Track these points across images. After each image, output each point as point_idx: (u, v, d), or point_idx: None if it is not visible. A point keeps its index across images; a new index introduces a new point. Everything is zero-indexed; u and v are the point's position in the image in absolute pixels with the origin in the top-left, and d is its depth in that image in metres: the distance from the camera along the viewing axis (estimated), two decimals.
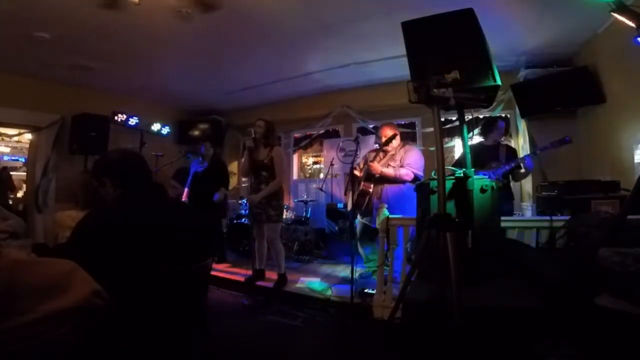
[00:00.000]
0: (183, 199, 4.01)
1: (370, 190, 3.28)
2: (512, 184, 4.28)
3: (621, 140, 3.12)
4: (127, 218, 1.19)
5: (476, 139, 3.64)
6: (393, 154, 3.33)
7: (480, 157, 3.06)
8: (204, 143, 4.23)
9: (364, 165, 3.48)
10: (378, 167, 3.18)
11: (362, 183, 3.31)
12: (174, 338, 1.28)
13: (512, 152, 3.36)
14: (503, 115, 4.72)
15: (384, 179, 3.25)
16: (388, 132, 3.30)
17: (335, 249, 4.76)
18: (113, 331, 0.93)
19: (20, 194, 4.83)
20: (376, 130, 5.19)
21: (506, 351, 1.27)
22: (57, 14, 3.00)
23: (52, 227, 1.93)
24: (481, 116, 4.34)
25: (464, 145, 1.66)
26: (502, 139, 3.55)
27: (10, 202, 4.92)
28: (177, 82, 5.03)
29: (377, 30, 3.43)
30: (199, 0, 2.83)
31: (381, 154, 3.37)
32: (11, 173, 5.00)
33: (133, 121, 5.05)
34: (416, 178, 3.19)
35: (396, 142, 3.34)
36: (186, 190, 4.11)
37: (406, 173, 3.15)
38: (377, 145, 3.41)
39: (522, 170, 3.29)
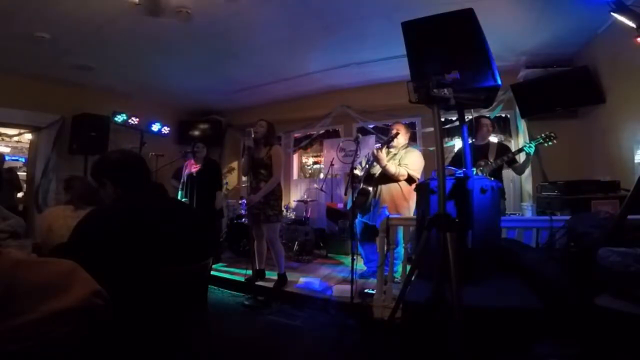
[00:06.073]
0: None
1: (370, 189, 3.32)
2: (510, 183, 4.28)
3: (621, 140, 3.12)
4: (127, 218, 1.19)
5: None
6: (395, 154, 3.35)
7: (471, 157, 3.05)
8: (197, 143, 4.25)
9: (366, 164, 3.51)
10: (385, 158, 3.18)
11: (362, 183, 3.35)
12: (174, 338, 1.28)
13: (503, 150, 3.29)
14: (503, 115, 4.73)
15: (380, 179, 3.29)
16: (398, 128, 3.34)
17: (335, 249, 4.76)
18: (113, 331, 0.93)
19: (20, 194, 4.82)
20: (377, 131, 5.24)
21: (506, 351, 1.27)
22: (57, 14, 3.00)
23: (43, 225, 1.90)
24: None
25: (464, 145, 1.66)
26: (494, 138, 3.52)
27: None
28: (177, 82, 5.03)
29: (377, 30, 3.43)
30: None
31: (385, 151, 3.38)
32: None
33: (133, 121, 5.05)
34: (411, 178, 3.22)
35: (402, 141, 3.37)
36: (179, 192, 4.13)
37: (403, 173, 3.19)
38: (378, 145, 3.42)
39: (520, 162, 3.29)
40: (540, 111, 3.92)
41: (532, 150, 3.06)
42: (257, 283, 3.44)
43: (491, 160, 3.15)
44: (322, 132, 5.88)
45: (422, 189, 1.77)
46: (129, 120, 4.95)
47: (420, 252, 1.54)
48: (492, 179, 2.66)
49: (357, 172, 3.48)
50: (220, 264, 4.29)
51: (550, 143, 3.02)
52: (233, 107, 6.30)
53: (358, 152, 3.32)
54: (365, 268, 3.57)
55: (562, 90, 3.64)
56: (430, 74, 1.38)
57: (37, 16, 3.03)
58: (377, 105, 5.11)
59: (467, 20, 1.46)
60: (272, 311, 3.02)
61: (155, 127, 5.42)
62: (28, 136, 4.99)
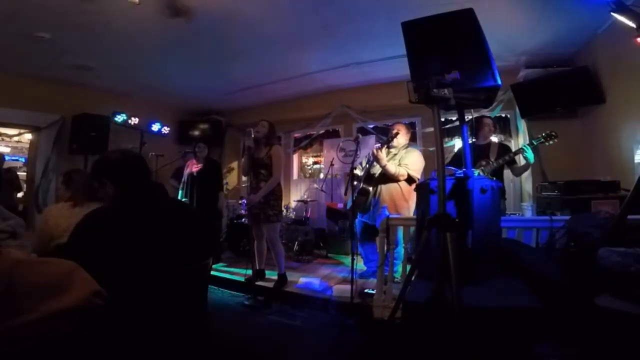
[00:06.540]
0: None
1: (370, 189, 3.33)
2: (510, 183, 4.27)
3: (621, 140, 3.12)
4: (127, 218, 1.19)
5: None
6: (395, 154, 3.35)
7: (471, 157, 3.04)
8: (198, 143, 4.25)
9: (366, 163, 3.51)
10: (384, 158, 3.18)
11: (362, 183, 3.35)
12: (174, 338, 1.28)
13: (504, 150, 3.27)
14: (503, 115, 4.73)
15: (380, 178, 3.29)
16: (398, 128, 3.34)
17: (335, 249, 4.76)
18: (113, 331, 0.93)
19: (20, 194, 4.83)
20: (377, 131, 5.24)
21: (506, 351, 1.27)
22: (57, 14, 2.99)
23: (39, 225, 1.89)
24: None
25: (464, 145, 1.66)
26: (494, 138, 3.51)
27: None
28: (177, 82, 5.02)
29: (377, 30, 3.44)
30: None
31: (385, 151, 3.37)
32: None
33: (133, 121, 5.05)
34: (411, 178, 3.22)
35: (402, 141, 3.37)
36: (179, 192, 4.14)
37: (402, 174, 3.19)
38: (378, 145, 3.42)
39: (519, 165, 3.29)
40: (540, 111, 3.92)
41: (531, 158, 3.02)
42: (257, 283, 3.44)
43: (492, 159, 3.15)
44: (322, 132, 5.88)
45: (422, 189, 1.77)
46: (129, 120, 4.96)
47: (420, 252, 1.54)
48: (494, 178, 2.67)
49: (357, 172, 3.49)
50: (220, 264, 4.29)
51: (551, 142, 3.02)
52: (233, 107, 6.30)
53: (358, 152, 3.32)
54: (365, 268, 3.57)
55: (562, 90, 3.64)
56: (430, 74, 1.38)
57: (37, 16, 3.03)
58: (377, 105, 5.11)
59: (467, 20, 1.46)
60: (272, 311, 3.02)
61: (155, 127, 5.43)
62: (28, 136, 4.99)
